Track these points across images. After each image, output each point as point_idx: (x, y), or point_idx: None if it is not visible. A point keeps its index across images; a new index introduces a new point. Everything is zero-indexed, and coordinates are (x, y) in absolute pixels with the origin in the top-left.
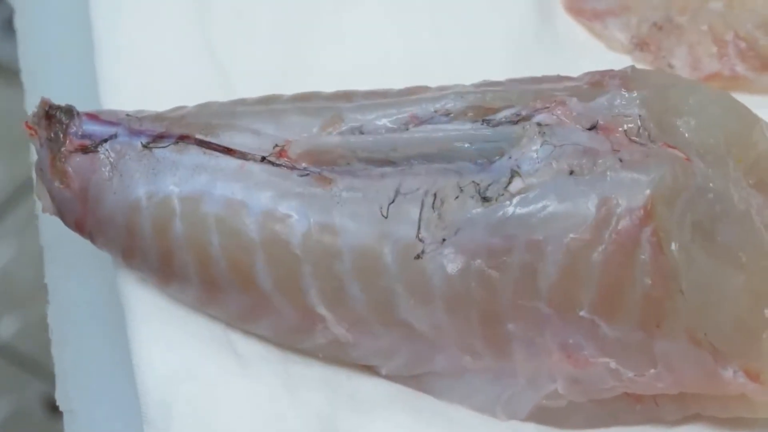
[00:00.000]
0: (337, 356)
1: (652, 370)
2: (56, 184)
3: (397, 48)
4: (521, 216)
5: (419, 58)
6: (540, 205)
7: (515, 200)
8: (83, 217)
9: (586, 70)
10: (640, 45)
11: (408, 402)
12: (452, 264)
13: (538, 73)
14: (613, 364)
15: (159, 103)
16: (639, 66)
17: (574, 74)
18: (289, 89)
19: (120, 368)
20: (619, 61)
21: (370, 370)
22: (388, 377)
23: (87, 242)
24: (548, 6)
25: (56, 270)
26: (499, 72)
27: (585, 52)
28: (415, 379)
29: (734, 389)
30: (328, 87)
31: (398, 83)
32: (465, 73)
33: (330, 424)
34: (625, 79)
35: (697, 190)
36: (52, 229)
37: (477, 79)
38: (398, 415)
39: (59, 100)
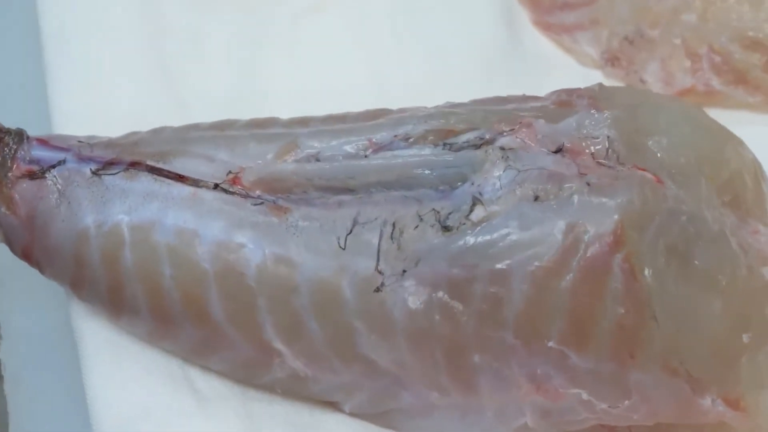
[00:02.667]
0: (297, 391)
1: (627, 401)
2: (2, 210)
3: (358, 67)
4: (483, 245)
5: (381, 76)
6: (503, 233)
7: (477, 229)
8: (30, 245)
9: (555, 87)
10: (611, 60)
11: None
12: (413, 297)
13: (506, 91)
14: (585, 396)
15: (112, 127)
16: (610, 81)
17: (544, 91)
18: (245, 111)
19: (75, 407)
20: (589, 76)
21: (334, 406)
22: (352, 414)
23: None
24: (515, 21)
25: (7, 302)
26: (466, 90)
27: (554, 68)
28: (380, 415)
29: (713, 418)
30: (287, 109)
31: (359, 103)
32: (430, 92)
33: None
34: (594, 98)
35: (669, 212)
36: (2, 256)
37: (442, 97)
38: None
39: (10, 123)
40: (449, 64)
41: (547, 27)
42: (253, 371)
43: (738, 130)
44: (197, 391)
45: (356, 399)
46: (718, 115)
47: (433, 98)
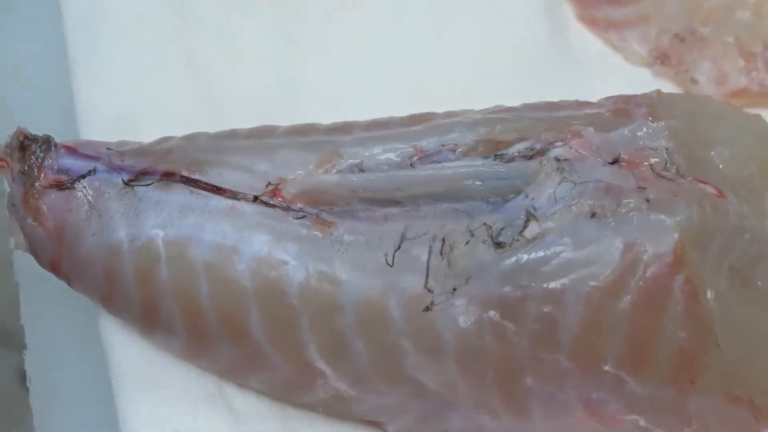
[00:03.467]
0: (340, 412)
1: (686, 429)
2: (29, 221)
3: (395, 65)
4: (537, 263)
5: (419, 74)
6: (557, 251)
7: (531, 246)
8: (58, 258)
9: (603, 86)
10: (660, 58)
11: None
12: (464, 316)
13: (551, 89)
14: (642, 422)
15: (141, 129)
16: (659, 80)
17: (590, 90)
18: (278, 110)
19: (104, 423)
20: (637, 75)
21: (378, 426)
22: None
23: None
24: (560, 16)
25: (33, 311)
26: (508, 88)
27: (601, 66)
28: None
29: None
30: (321, 109)
31: (397, 104)
32: (470, 91)
33: None
34: (652, 106)
35: (731, 230)
36: (27, 266)
37: (484, 97)
38: None
39: (36, 129)
40: (490, 62)
41: (593, 23)
42: (294, 391)
43: None
44: (234, 410)
45: (402, 421)
46: None
47: (473, 97)
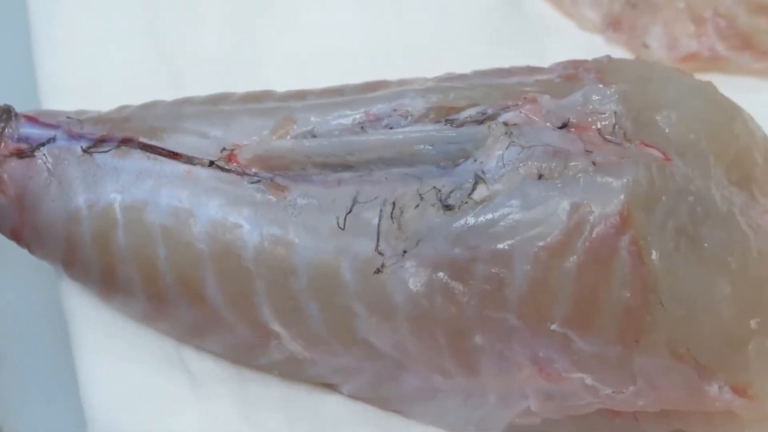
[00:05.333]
0: (294, 374)
1: (632, 387)
2: None
3: (356, 34)
4: (485, 225)
5: (380, 43)
6: (505, 212)
7: (479, 208)
8: (20, 225)
9: (556, 52)
10: (612, 24)
11: (373, 421)
12: (414, 278)
13: (506, 55)
14: (588, 380)
15: (103, 98)
16: (611, 46)
17: (543, 57)
18: (240, 80)
19: (65, 388)
20: (590, 41)
21: (333, 388)
22: (351, 396)
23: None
24: None
25: None
26: (466, 55)
27: (554, 32)
28: (380, 398)
29: (720, 405)
30: (283, 78)
31: (358, 72)
32: (430, 58)
33: None
34: (601, 71)
35: (676, 192)
36: None
37: (441, 65)
38: None
39: None
40: (449, 29)
41: None
42: (249, 353)
43: (743, 98)
44: (192, 373)
45: (356, 382)
46: (723, 81)
47: (433, 64)
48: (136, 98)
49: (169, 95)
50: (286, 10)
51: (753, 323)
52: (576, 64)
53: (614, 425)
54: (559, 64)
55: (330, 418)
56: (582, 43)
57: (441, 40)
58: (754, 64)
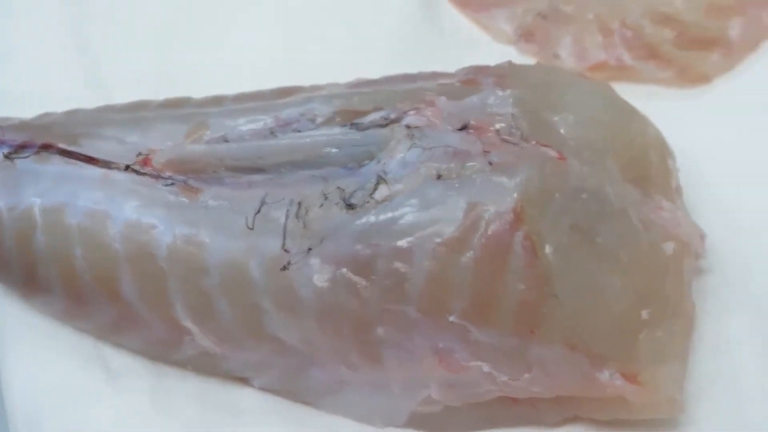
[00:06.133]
0: (208, 369)
1: (527, 375)
2: None
3: (276, 44)
4: (386, 223)
5: (298, 55)
6: (405, 211)
7: (380, 207)
8: None
9: (471, 63)
10: (525, 36)
11: (285, 413)
12: (319, 274)
13: (422, 68)
14: (486, 368)
15: (29, 108)
16: (524, 57)
17: (459, 68)
18: (165, 90)
19: None
20: (504, 52)
21: (245, 382)
22: (263, 390)
23: None
24: None
25: None
26: (383, 67)
27: (470, 45)
28: (291, 392)
29: (611, 392)
30: (205, 88)
31: (278, 80)
32: (347, 70)
33: None
34: (501, 76)
35: (570, 190)
36: None
37: (359, 74)
38: (274, 425)
39: None
40: (366, 41)
41: (464, 4)
42: (165, 349)
43: (648, 105)
44: (110, 368)
45: (266, 376)
46: (630, 89)
47: (349, 76)
48: (61, 107)
49: (94, 104)
50: (210, 23)
51: (644, 314)
52: (477, 69)
53: (513, 412)
54: (461, 69)
55: (242, 410)
56: (496, 55)
57: (357, 51)
58: (659, 73)
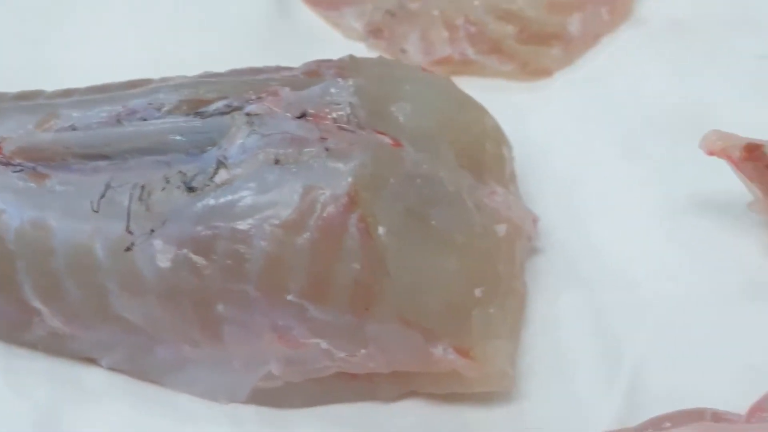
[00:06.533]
0: (58, 349)
1: (364, 351)
2: None
3: (134, 41)
4: (225, 206)
5: (155, 50)
6: (243, 194)
7: (220, 191)
8: None
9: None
10: (373, 32)
11: (132, 391)
12: (161, 254)
13: (274, 63)
14: (324, 345)
15: None
16: (372, 53)
17: None
18: (19, 86)
19: None
20: (353, 48)
21: (94, 362)
22: (111, 369)
23: None
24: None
25: None
26: (236, 64)
27: (321, 42)
28: (137, 370)
29: (445, 366)
30: (56, 82)
31: (136, 74)
32: (201, 66)
33: (52, 417)
34: (342, 68)
35: (405, 175)
36: None
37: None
38: (122, 404)
39: None
40: (220, 39)
41: (315, 3)
42: (15, 330)
43: (491, 98)
44: None
45: (113, 356)
46: (474, 83)
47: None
48: None
49: None
50: (65, 19)
51: (477, 292)
52: (320, 62)
53: (351, 387)
54: (305, 63)
55: (91, 390)
56: (346, 51)
57: (211, 49)
58: (501, 67)
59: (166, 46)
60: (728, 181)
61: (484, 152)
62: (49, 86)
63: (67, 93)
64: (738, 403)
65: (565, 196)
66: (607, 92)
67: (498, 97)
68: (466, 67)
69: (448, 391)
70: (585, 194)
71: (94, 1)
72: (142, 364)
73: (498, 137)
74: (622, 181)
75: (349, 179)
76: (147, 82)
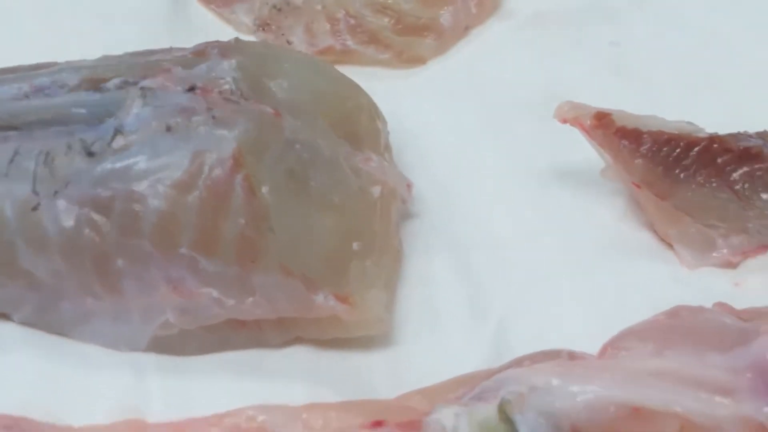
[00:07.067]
0: None
1: (251, 299)
2: None
3: (38, 35)
4: (122, 169)
5: (57, 44)
6: (138, 159)
7: (117, 156)
8: None
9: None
10: (262, 26)
11: (42, 343)
12: (64, 214)
13: None
14: (215, 294)
15: None
16: None
17: None
18: None
19: None
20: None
21: (6, 316)
22: (22, 324)
23: None
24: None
25: None
26: None
27: (214, 35)
28: (46, 324)
29: (326, 312)
30: None
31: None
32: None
33: None
34: (226, 48)
35: (285, 140)
36: None
37: None
38: (33, 355)
39: None
40: (118, 33)
41: (209, 0)
42: None
43: (370, 84)
44: None
45: (23, 311)
46: (354, 71)
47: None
48: None
49: None
50: None
51: (355, 246)
52: (207, 44)
53: (241, 334)
54: (195, 45)
55: (3, 342)
56: None
57: (108, 44)
58: (379, 56)
59: (69, 38)
60: (584, 152)
61: (359, 124)
62: None
63: None
64: (591, 345)
65: (437, 167)
66: (476, 77)
67: (377, 83)
68: (347, 56)
69: (331, 336)
70: (456, 165)
71: None
72: (49, 318)
73: (372, 112)
74: (490, 154)
75: (234, 144)
76: (52, 64)
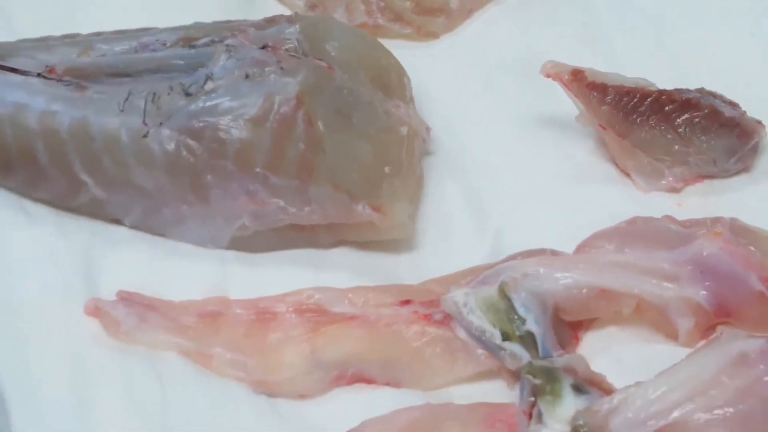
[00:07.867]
0: (96, 212)
1: (307, 207)
2: None
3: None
4: (211, 106)
5: (156, 17)
6: (224, 99)
7: (207, 96)
8: None
9: None
10: (311, 6)
11: (148, 241)
12: (167, 140)
13: None
14: (281, 203)
15: None
16: None
17: None
18: (62, 30)
19: None
20: None
21: (119, 222)
22: (132, 227)
23: None
24: None
25: None
26: None
27: (275, 13)
28: (150, 227)
29: (364, 218)
30: (89, 28)
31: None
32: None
33: (89, 258)
34: (291, 18)
35: (335, 87)
36: None
37: None
38: (140, 250)
39: None
40: (201, 15)
41: None
42: (65, 198)
43: (396, 51)
44: (29, 213)
45: (132, 216)
46: (384, 42)
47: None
48: None
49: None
50: None
51: (387, 169)
52: (275, 16)
53: (300, 236)
54: (265, 17)
55: (117, 239)
56: None
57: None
58: (402, 31)
59: (164, 17)
60: (562, 101)
61: (390, 79)
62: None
63: (97, 34)
64: (567, 247)
65: (448, 117)
66: (478, 47)
67: (402, 51)
68: (378, 30)
69: (368, 238)
70: (463, 114)
71: None
72: (152, 222)
73: (400, 70)
74: (488, 105)
75: (297, 88)
76: (154, 28)
